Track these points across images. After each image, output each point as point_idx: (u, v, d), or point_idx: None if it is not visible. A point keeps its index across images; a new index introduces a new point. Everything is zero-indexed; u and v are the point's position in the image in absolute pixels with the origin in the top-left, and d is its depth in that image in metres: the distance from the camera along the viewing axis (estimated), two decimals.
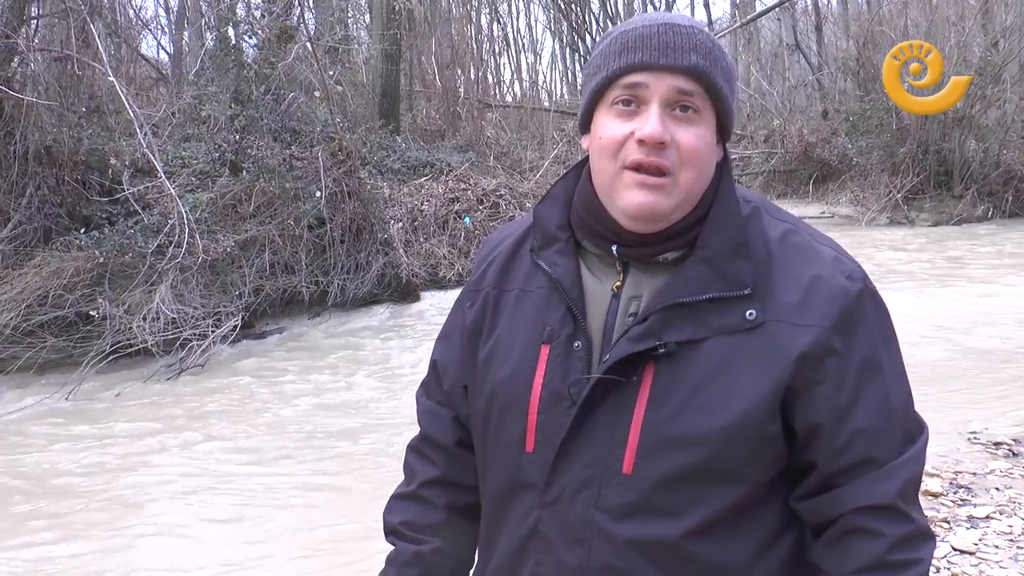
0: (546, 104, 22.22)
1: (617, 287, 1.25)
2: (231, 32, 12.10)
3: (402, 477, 1.51)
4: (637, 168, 1.20)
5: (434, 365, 1.49)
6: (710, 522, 1.19)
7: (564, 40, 26.88)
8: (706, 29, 1.23)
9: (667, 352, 1.18)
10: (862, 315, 1.20)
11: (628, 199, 1.21)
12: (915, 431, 1.23)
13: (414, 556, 1.42)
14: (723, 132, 1.26)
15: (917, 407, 1.26)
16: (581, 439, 1.22)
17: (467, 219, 11.72)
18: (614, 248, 1.25)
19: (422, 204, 11.84)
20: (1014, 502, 4.40)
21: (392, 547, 1.45)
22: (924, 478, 4.84)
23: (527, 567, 1.29)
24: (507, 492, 1.31)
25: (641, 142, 1.19)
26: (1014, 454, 5.10)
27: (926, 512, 4.33)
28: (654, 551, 1.20)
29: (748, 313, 1.18)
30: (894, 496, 1.18)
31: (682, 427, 1.18)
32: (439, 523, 1.43)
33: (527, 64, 28.00)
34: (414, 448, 1.50)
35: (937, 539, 3.99)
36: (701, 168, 1.21)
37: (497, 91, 22.44)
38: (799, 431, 1.21)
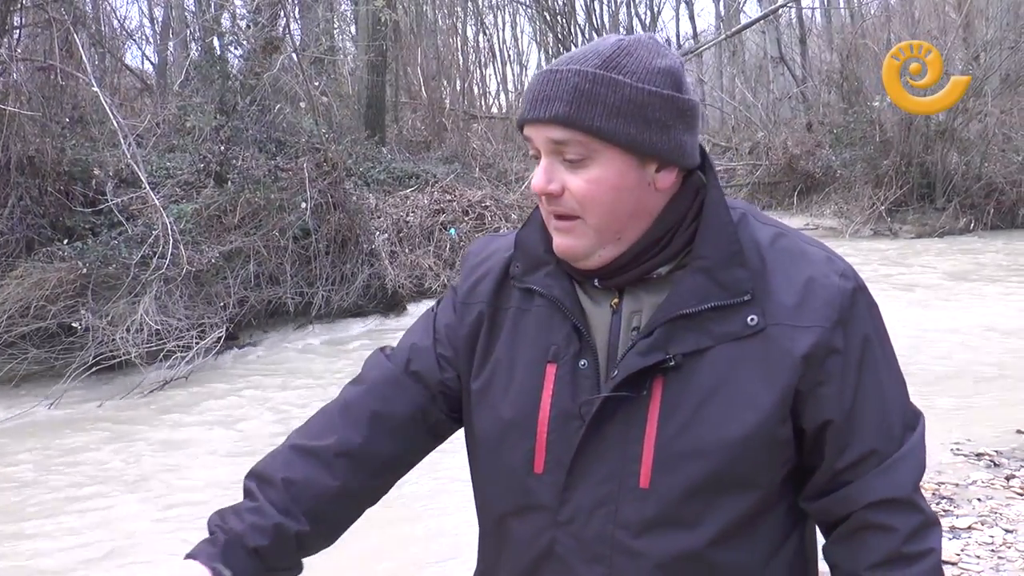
0: None
1: (616, 303, 1.25)
2: (216, 43, 12.10)
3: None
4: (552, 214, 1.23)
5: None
6: (728, 529, 1.20)
7: (550, 51, 26.95)
8: (589, 68, 1.17)
9: (675, 365, 1.18)
10: (857, 312, 1.21)
11: (555, 242, 1.24)
12: (913, 420, 1.25)
13: None
14: (656, 159, 1.20)
15: None
16: (593, 457, 1.22)
17: (452, 230, 11.72)
18: (595, 281, 1.25)
19: (407, 215, 11.83)
20: (996, 512, 4.42)
21: None
22: None
23: None
24: (512, 515, 1.29)
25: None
26: (996, 465, 5.13)
27: None
28: (678, 564, 1.20)
29: (750, 319, 1.19)
30: (901, 489, 1.20)
31: (694, 439, 1.18)
32: None
33: (513, 75, 28.15)
34: None
35: None
36: (607, 208, 1.20)
37: (483, 102, 22.50)
38: (808, 432, 1.22)
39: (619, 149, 1.17)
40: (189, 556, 1.24)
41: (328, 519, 1.34)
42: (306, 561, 1.33)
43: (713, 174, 1.27)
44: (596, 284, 1.25)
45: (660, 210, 1.23)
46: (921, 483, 1.25)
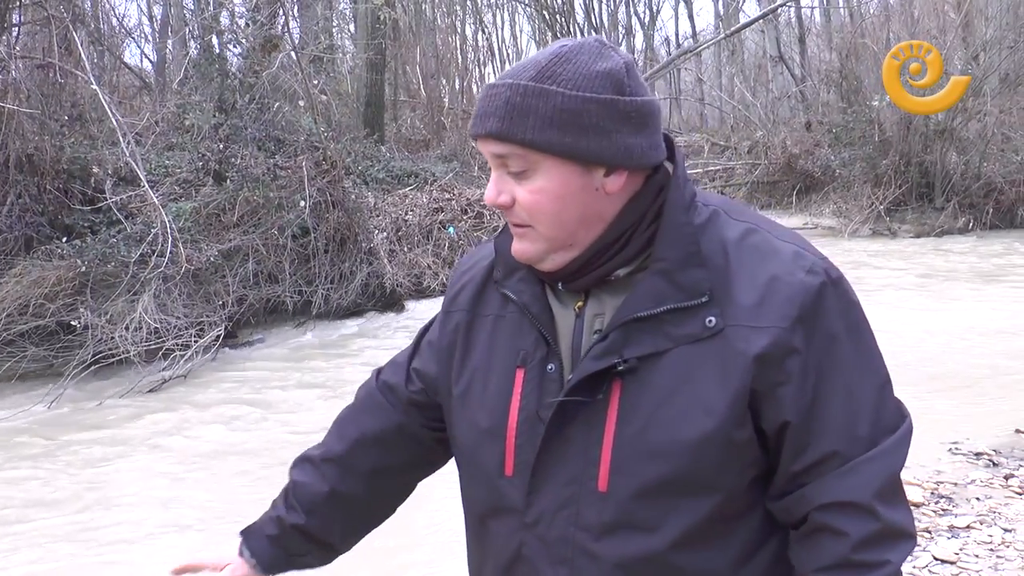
0: None
1: (579, 307, 1.26)
2: (215, 41, 12.10)
3: None
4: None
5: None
6: (691, 532, 1.19)
7: None
8: (522, 81, 1.18)
9: (630, 368, 1.18)
10: (822, 309, 1.17)
11: (512, 246, 1.27)
12: (891, 422, 1.21)
13: None
14: (600, 164, 1.19)
15: None
16: (556, 459, 1.23)
17: (451, 229, 11.73)
18: (559, 285, 1.27)
19: (406, 214, 11.84)
20: (994, 512, 4.42)
21: None
22: (905, 487, 4.89)
23: None
24: (489, 517, 1.32)
25: None
26: (995, 464, 5.13)
27: None
28: (639, 567, 1.20)
29: (708, 320, 1.18)
30: (858, 492, 1.16)
31: (651, 441, 1.18)
32: None
33: None
34: None
35: (918, 548, 4.02)
36: (553, 217, 1.20)
37: None
38: (769, 433, 1.20)
39: (558, 159, 1.18)
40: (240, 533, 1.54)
41: (328, 517, 1.50)
42: None
43: (681, 171, 1.25)
44: (560, 287, 1.27)
45: (616, 213, 1.23)
46: (904, 486, 1.19)
